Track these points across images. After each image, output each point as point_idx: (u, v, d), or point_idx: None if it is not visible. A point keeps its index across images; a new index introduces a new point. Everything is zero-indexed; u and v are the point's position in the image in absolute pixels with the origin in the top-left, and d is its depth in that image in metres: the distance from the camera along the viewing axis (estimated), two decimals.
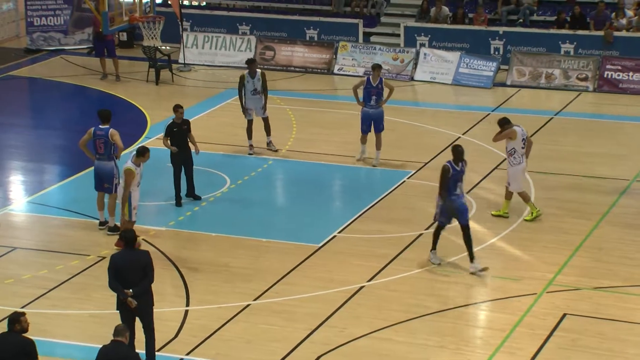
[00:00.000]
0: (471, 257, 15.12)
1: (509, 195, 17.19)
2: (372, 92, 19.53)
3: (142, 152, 15.64)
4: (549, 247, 16.14)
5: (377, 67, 19.73)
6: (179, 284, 14.97)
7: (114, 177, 16.52)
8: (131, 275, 12.14)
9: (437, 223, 15.44)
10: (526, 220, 17.06)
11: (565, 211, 17.56)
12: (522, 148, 17.00)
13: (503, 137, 17.06)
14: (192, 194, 17.97)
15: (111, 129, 16.50)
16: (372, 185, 19.07)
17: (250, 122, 20.16)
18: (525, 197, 17.18)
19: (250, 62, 20.13)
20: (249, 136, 20.24)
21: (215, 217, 17.54)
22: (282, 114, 22.92)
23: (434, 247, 15.50)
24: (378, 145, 19.64)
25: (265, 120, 20.17)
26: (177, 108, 17.74)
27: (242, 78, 20.04)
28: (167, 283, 14.85)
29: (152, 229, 16.73)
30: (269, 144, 20.33)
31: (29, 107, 25.40)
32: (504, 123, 17.11)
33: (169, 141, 17.67)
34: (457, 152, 15.19)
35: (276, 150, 20.28)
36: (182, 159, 17.68)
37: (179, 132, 17.64)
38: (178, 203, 17.75)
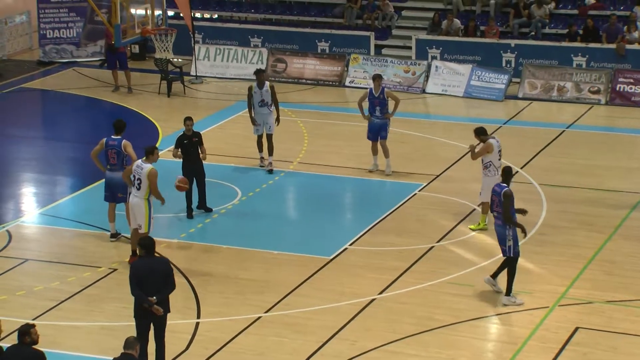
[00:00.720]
0: (496, 274, 14.90)
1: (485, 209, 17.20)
2: (375, 103, 19.53)
3: (152, 151, 15.55)
4: (561, 260, 16.08)
5: (377, 77, 19.71)
6: (190, 296, 14.96)
7: (128, 186, 16.50)
8: (152, 282, 12.15)
9: (512, 255, 14.49)
10: (470, 228, 17.05)
11: (577, 224, 17.51)
12: (499, 160, 16.96)
13: (482, 154, 16.95)
14: (203, 206, 17.97)
15: (124, 140, 16.50)
16: (384, 197, 19.04)
17: (259, 137, 20.02)
18: (485, 209, 17.11)
19: (258, 73, 20.02)
20: (260, 149, 20.15)
21: (227, 229, 17.54)
22: (294, 127, 22.93)
23: (509, 291, 14.54)
24: (385, 153, 19.62)
25: (269, 138, 19.84)
26: (187, 120, 17.77)
27: (250, 89, 20.00)
28: (178, 295, 14.78)
29: (163, 240, 16.71)
30: (269, 163, 20.00)
31: (41, 119, 25.49)
32: (481, 133, 17.03)
33: (179, 152, 17.68)
34: (510, 173, 14.76)
35: (270, 171, 19.89)
36: (193, 171, 17.69)
37: (189, 144, 17.66)
38: (189, 215, 17.76)
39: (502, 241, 14.50)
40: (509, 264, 14.52)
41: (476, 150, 16.95)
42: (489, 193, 16.90)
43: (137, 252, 15.69)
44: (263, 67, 27.02)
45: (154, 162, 15.51)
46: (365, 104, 19.74)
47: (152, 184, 15.37)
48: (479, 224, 17.11)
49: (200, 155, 17.77)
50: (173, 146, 17.91)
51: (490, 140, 16.91)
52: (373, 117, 19.62)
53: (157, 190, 15.46)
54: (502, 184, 14.59)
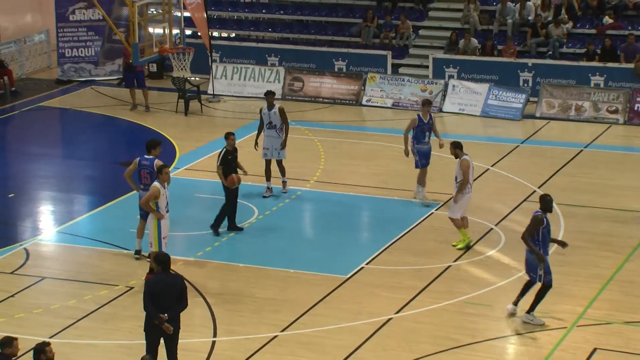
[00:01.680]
0: (518, 300, 14.82)
1: (462, 224, 17.14)
2: (425, 129, 19.15)
3: (159, 170, 15.59)
4: (579, 281, 16.00)
5: (427, 103, 19.42)
6: (206, 314, 14.95)
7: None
8: (167, 299, 12.17)
9: (545, 284, 14.32)
10: (454, 245, 17.00)
11: (596, 244, 17.42)
12: (471, 177, 16.95)
13: (466, 172, 16.87)
14: (234, 226, 17.89)
15: (156, 160, 16.42)
16: (400, 216, 18.99)
17: (267, 163, 19.68)
18: (465, 223, 17.11)
19: (267, 94, 19.77)
20: (267, 177, 19.70)
21: (243, 247, 17.53)
22: (310, 145, 22.94)
23: (531, 309, 14.44)
24: (424, 181, 19.42)
25: (279, 163, 19.62)
26: (230, 135, 17.69)
27: (260, 110, 19.95)
28: (195, 313, 14.82)
29: (180, 259, 16.72)
30: (283, 183, 19.86)
31: (59, 138, 25.58)
32: (457, 147, 17.00)
33: (221, 170, 17.56)
34: (549, 202, 14.40)
35: (285, 192, 19.83)
36: (235, 188, 17.61)
37: (232, 160, 17.62)
38: (215, 232, 17.71)
39: (531, 268, 14.32)
40: (539, 290, 14.37)
41: (458, 177, 16.94)
42: (463, 210, 16.97)
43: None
44: (280, 86, 27.08)
45: (166, 182, 15.46)
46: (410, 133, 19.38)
47: (147, 195, 15.36)
48: (463, 240, 17.04)
49: (240, 172, 17.66)
50: (217, 162, 17.66)
51: (466, 157, 16.92)
52: (422, 143, 19.25)
53: (147, 203, 15.41)
54: (538, 210, 14.35)
